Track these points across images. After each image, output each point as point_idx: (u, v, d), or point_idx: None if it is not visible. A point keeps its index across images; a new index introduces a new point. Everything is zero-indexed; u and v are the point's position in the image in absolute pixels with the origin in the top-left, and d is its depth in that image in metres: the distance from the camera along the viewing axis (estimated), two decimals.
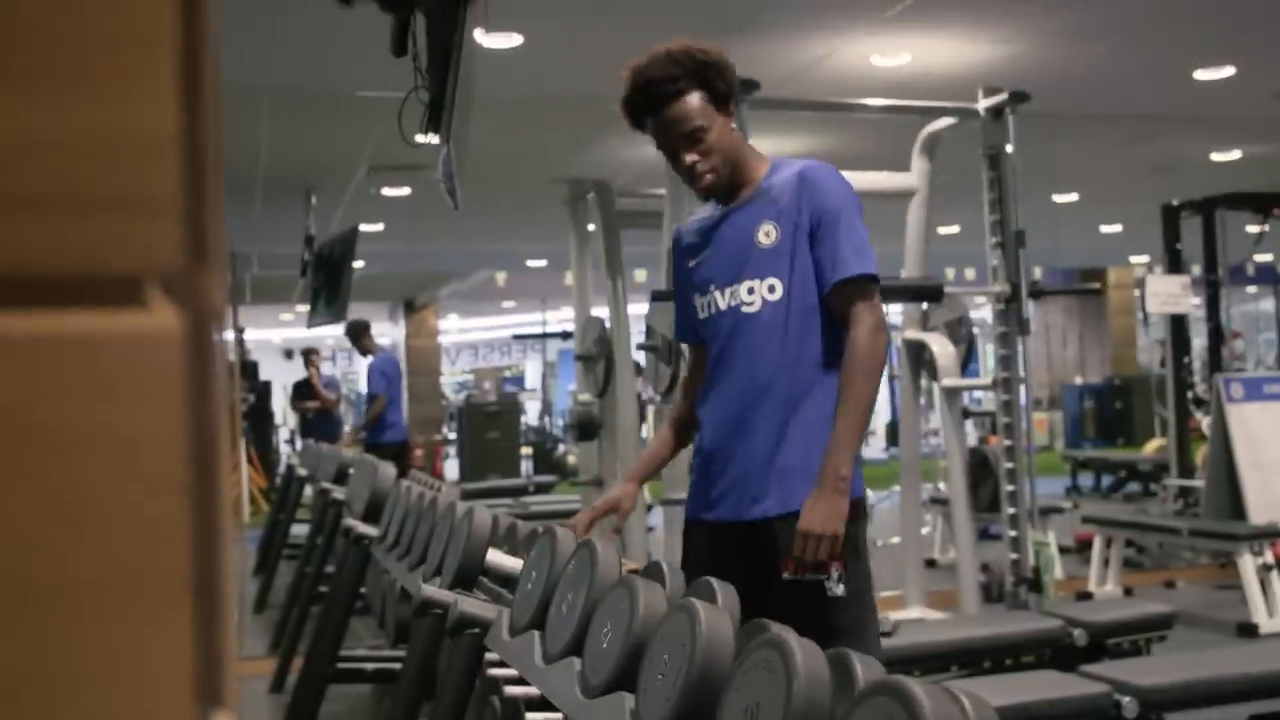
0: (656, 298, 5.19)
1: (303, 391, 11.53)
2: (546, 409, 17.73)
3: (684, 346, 2.88)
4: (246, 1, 4.59)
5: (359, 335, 8.98)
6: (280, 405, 16.08)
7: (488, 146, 6.34)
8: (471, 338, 22.70)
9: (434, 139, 3.61)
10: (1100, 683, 3.18)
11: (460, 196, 3.61)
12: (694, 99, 2.32)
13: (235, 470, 9.45)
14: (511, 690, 2.70)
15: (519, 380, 22.31)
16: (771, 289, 2.32)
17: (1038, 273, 11.83)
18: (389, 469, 4.41)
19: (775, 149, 7.53)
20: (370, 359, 8.92)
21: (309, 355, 11.64)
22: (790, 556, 2.23)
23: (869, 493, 2.52)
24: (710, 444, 2.41)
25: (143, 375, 0.40)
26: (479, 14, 3.43)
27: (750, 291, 2.34)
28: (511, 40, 5.36)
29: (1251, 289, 17.81)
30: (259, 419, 13.11)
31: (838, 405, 2.27)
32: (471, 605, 2.30)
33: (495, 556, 2.67)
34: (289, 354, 20.81)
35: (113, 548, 0.40)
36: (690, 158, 2.33)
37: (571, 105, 6.63)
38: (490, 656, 2.49)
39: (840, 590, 2.25)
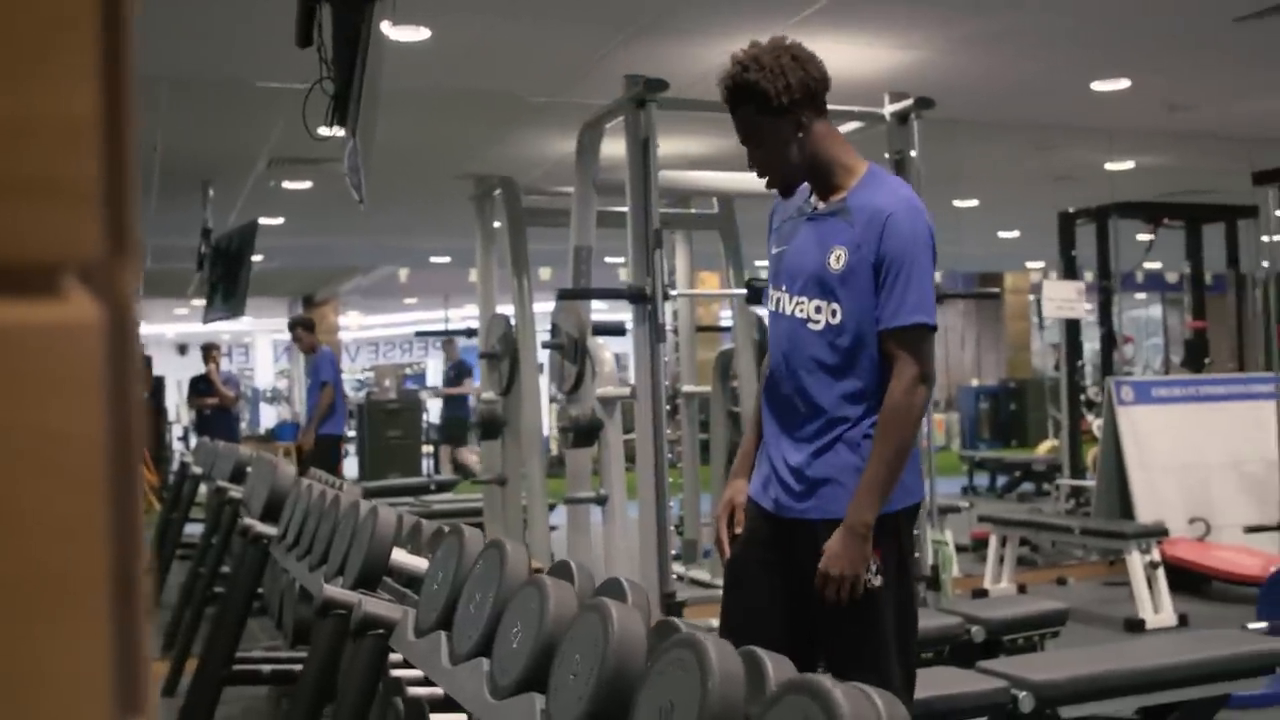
0: (563, 296, 5.18)
1: (200, 388, 11.30)
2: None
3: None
4: None
5: (309, 329, 8.98)
6: (173, 402, 15.72)
7: (393, 141, 6.26)
8: (373, 334, 22.43)
9: (339, 132, 3.56)
10: (998, 678, 3.24)
11: (366, 191, 3.57)
12: (745, 110, 2.42)
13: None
14: (415, 691, 2.68)
15: (420, 378, 22.08)
16: (834, 313, 2.40)
17: (938, 277, 12.04)
18: (288, 467, 4.33)
19: (683, 150, 7.56)
20: (317, 353, 8.86)
21: (208, 350, 11.41)
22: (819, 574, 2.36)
23: None
24: (769, 436, 2.53)
25: (60, 369, 0.39)
26: (387, 6, 3.39)
27: (818, 310, 2.42)
28: (419, 34, 5.30)
29: (1140, 295, 18.34)
30: (152, 415, 12.82)
31: (870, 454, 2.37)
32: (376, 606, 2.27)
33: (400, 556, 2.64)
34: (183, 349, 20.37)
35: (27, 548, 0.38)
36: (750, 162, 2.49)
37: (479, 100, 6.59)
38: (394, 658, 2.46)
39: (879, 581, 2.37)
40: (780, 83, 2.37)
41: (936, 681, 3.20)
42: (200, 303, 9.48)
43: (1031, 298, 17.17)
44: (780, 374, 2.50)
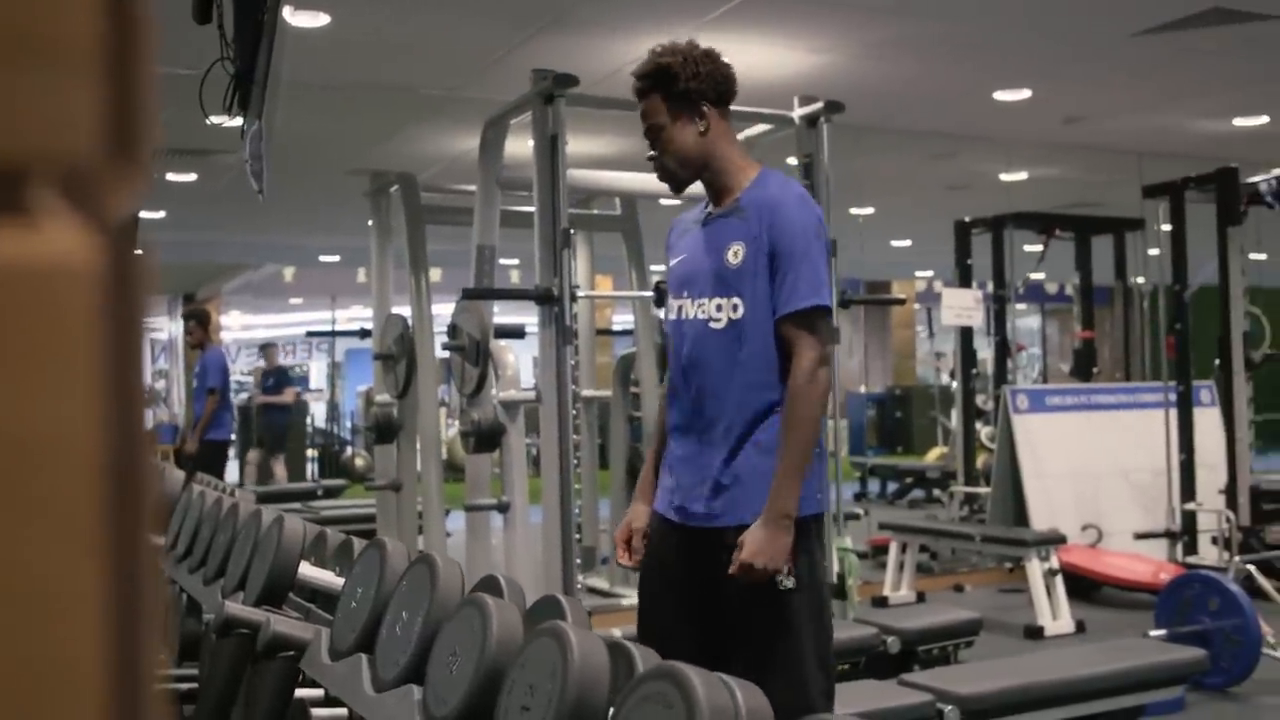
0: (468, 296, 5.01)
1: None
2: (333, 411, 17.15)
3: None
4: None
5: (203, 324, 8.40)
6: None
7: (286, 131, 6.01)
8: (255, 335, 21.80)
9: (236, 120, 3.35)
10: (922, 692, 3.18)
11: (266, 182, 3.37)
12: (653, 99, 2.45)
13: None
14: (321, 713, 2.50)
15: (303, 380, 21.56)
16: (735, 308, 2.41)
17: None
18: (174, 473, 4.09)
19: (588, 149, 7.45)
20: (206, 351, 8.33)
21: None
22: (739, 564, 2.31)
23: None
24: (675, 448, 2.50)
25: (28, 341, 0.24)
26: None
27: (719, 308, 2.43)
28: (319, 19, 5.09)
29: (1021, 306, 18.74)
30: None
31: (780, 445, 2.36)
32: (285, 625, 2.09)
33: (308, 570, 2.46)
34: None
35: None
36: (649, 152, 2.50)
37: (377, 93, 6.37)
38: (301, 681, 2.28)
39: (791, 583, 2.34)
40: (690, 69, 2.44)
41: (861, 695, 3.12)
42: None
43: (919, 306, 17.42)
44: (681, 382, 2.49)
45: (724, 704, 1.13)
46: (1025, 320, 19.90)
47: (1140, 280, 8.42)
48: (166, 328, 16.78)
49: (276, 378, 12.83)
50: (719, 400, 2.41)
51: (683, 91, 2.43)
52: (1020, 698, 3.27)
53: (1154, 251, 7.54)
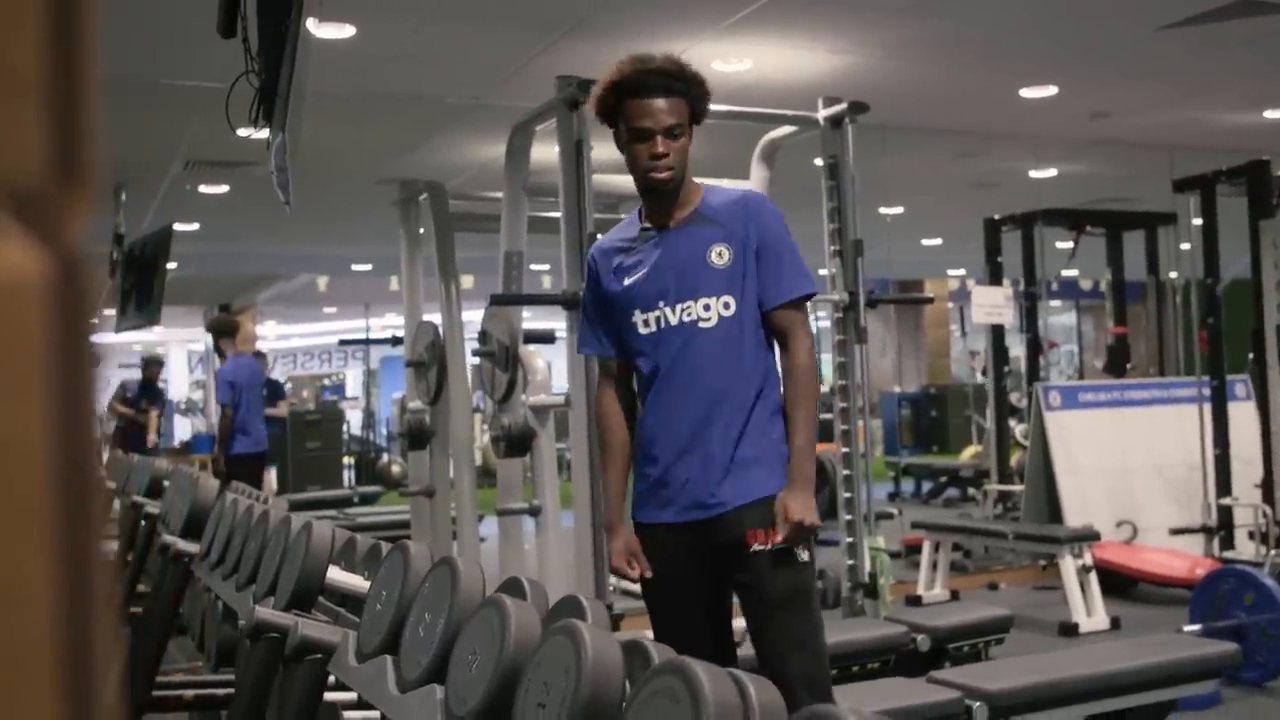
0: (496, 302, 5.04)
1: (133, 398, 10.91)
2: (369, 418, 17.26)
3: (595, 360, 2.95)
4: None
5: (221, 334, 8.15)
6: None
7: (315, 144, 6.08)
8: (290, 344, 21.99)
9: (263, 132, 3.39)
10: (951, 689, 3.18)
11: (292, 193, 3.40)
12: (683, 103, 2.51)
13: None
14: (354, 717, 2.53)
15: (339, 388, 21.71)
16: (726, 305, 2.50)
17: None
18: (209, 481, 4.14)
19: (614, 154, 7.43)
20: (223, 366, 8.06)
21: (151, 365, 11.01)
22: (760, 530, 2.44)
23: None
24: (666, 451, 2.54)
25: None
26: (314, 1, 3.24)
27: (706, 308, 2.50)
28: (344, 31, 5.14)
29: (1055, 303, 18.62)
30: None
31: (793, 419, 2.50)
32: (313, 628, 2.12)
33: (336, 574, 2.49)
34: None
35: None
36: (663, 148, 2.48)
37: (404, 102, 6.42)
38: (331, 682, 2.31)
39: (806, 556, 2.49)
40: (706, 91, 2.57)
41: (890, 693, 3.13)
42: (111, 312, 9.15)
43: (951, 305, 17.34)
44: (667, 384, 2.54)
45: (730, 698, 1.14)
46: (1059, 317, 19.79)
47: (1174, 275, 8.35)
48: (204, 339, 16.96)
49: (269, 390, 11.88)
50: (716, 393, 2.50)
51: (700, 109, 2.55)
52: (1049, 693, 3.26)
53: (1186, 246, 7.48)
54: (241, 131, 3.50)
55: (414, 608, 1.86)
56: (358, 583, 2.42)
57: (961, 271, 14.72)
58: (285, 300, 16.37)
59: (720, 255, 2.50)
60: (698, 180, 2.64)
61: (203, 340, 16.92)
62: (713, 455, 2.49)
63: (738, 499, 2.47)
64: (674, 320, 2.52)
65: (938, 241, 12.27)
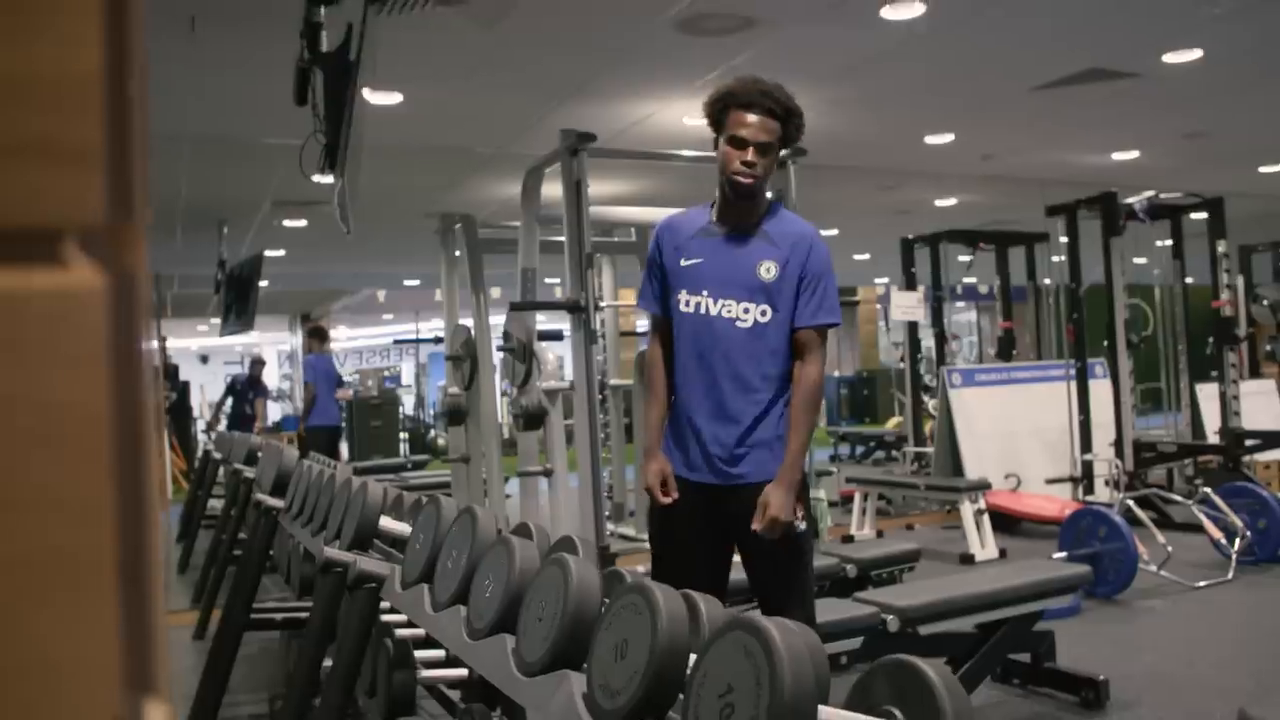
0: (515, 308, 5.06)
1: (242, 389, 10.91)
2: (420, 401, 17.24)
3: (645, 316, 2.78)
4: (171, 57, 4.27)
5: (313, 336, 8.66)
6: (197, 400, 15.20)
7: (373, 187, 6.05)
8: (358, 344, 21.95)
9: (329, 178, 3.41)
10: (870, 606, 3.20)
11: (351, 224, 3.42)
12: (778, 125, 2.35)
13: (162, 453, 8.98)
14: (402, 633, 2.56)
15: (396, 378, 21.66)
16: (764, 313, 2.37)
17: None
18: (292, 451, 4.16)
19: (611, 191, 7.43)
20: (310, 355, 8.54)
21: (256, 365, 11.05)
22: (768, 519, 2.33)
23: None
24: (696, 420, 2.43)
25: (61, 338, 0.29)
26: (368, 73, 3.25)
27: (746, 311, 2.37)
28: (394, 98, 5.14)
29: (960, 304, 18.64)
30: (180, 412, 12.33)
31: (795, 421, 2.37)
32: (368, 564, 2.15)
33: (386, 522, 2.51)
34: (204, 359, 19.78)
35: (31, 526, 0.28)
36: (752, 158, 2.33)
37: (443, 153, 6.43)
38: (383, 607, 2.34)
39: (803, 526, 2.40)
40: (801, 119, 2.42)
41: (824, 610, 3.15)
42: (218, 321, 9.14)
43: (879, 306, 17.37)
44: (699, 365, 2.42)
45: (681, 611, 1.17)
46: (963, 315, 19.80)
47: (1047, 282, 8.38)
48: (290, 341, 16.93)
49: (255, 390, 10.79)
50: (740, 386, 2.38)
51: (792, 136, 2.40)
52: (946, 608, 3.29)
53: (1057, 259, 7.51)
54: (315, 178, 3.51)
55: (444, 547, 1.89)
56: (403, 529, 2.45)
57: (886, 279, 14.73)
58: (352, 310, 16.34)
59: (768, 271, 2.35)
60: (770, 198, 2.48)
61: (289, 342, 16.89)
62: (733, 435, 2.38)
63: (754, 476, 2.37)
64: (714, 311, 2.39)
65: (867, 256, 12.27)
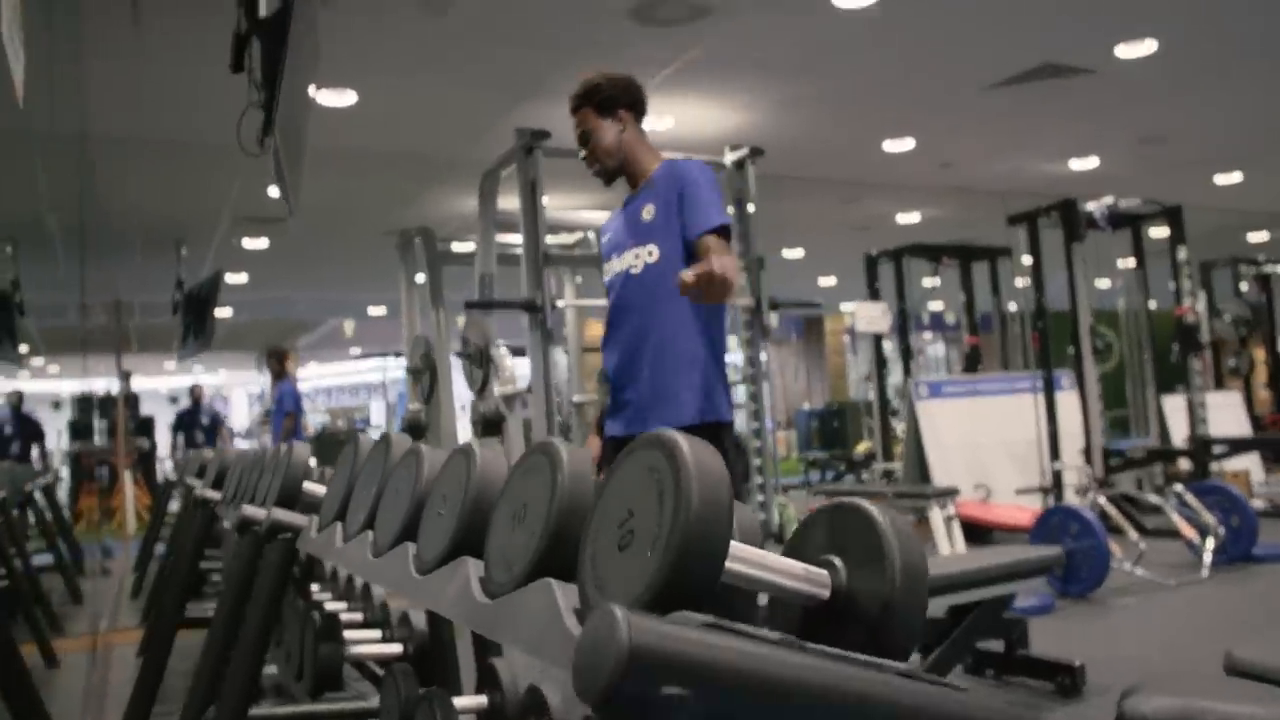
0: (470, 306, 4.91)
1: (188, 419, 10.70)
2: (389, 424, 17.08)
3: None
4: (116, 52, 4.13)
5: (280, 359, 8.19)
6: (164, 439, 14.90)
7: (332, 201, 5.95)
8: (326, 384, 21.65)
9: (290, 209, 3.25)
10: None
11: (294, 202, 3.27)
12: (585, 112, 2.46)
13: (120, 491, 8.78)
14: (332, 608, 2.37)
15: (366, 420, 21.43)
16: (650, 253, 2.38)
17: (775, 319, 12.01)
18: (235, 449, 3.96)
19: (565, 199, 7.32)
20: (283, 383, 8.07)
21: (194, 389, 10.80)
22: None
23: None
24: (614, 379, 2.46)
25: None
26: (312, 67, 3.13)
27: (636, 257, 2.40)
28: (348, 97, 5.02)
29: (927, 334, 18.65)
30: (148, 456, 12.03)
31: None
32: (283, 515, 1.97)
33: (310, 486, 2.34)
34: (174, 399, 19.48)
35: None
36: (581, 152, 2.49)
37: (402, 160, 6.30)
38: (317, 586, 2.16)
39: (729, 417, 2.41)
40: (609, 82, 2.48)
41: None
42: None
43: (846, 338, 17.33)
44: (613, 326, 2.47)
45: (584, 464, 1.02)
46: (931, 348, 19.83)
47: (1012, 307, 8.34)
48: (259, 382, 16.65)
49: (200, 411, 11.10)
50: (643, 331, 2.38)
51: (605, 99, 2.45)
52: None
53: (1022, 282, 7.46)
54: (271, 192, 3.37)
55: (357, 485, 1.72)
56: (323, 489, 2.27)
57: (852, 306, 14.67)
58: (318, 345, 16.10)
59: (649, 212, 2.40)
60: (658, 153, 2.51)
61: (258, 382, 16.62)
62: (642, 387, 2.37)
63: (666, 421, 2.30)
64: (618, 269, 2.45)
65: (833, 281, 12.23)
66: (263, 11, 3.02)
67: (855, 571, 0.91)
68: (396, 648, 2.34)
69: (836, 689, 0.76)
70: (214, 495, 3.36)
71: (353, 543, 1.57)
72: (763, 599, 0.95)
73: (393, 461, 1.60)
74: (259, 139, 3.13)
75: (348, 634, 2.37)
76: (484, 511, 1.15)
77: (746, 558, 0.89)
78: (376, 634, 2.50)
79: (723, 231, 2.34)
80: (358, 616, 2.65)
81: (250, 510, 2.06)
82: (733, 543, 0.86)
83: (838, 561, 0.92)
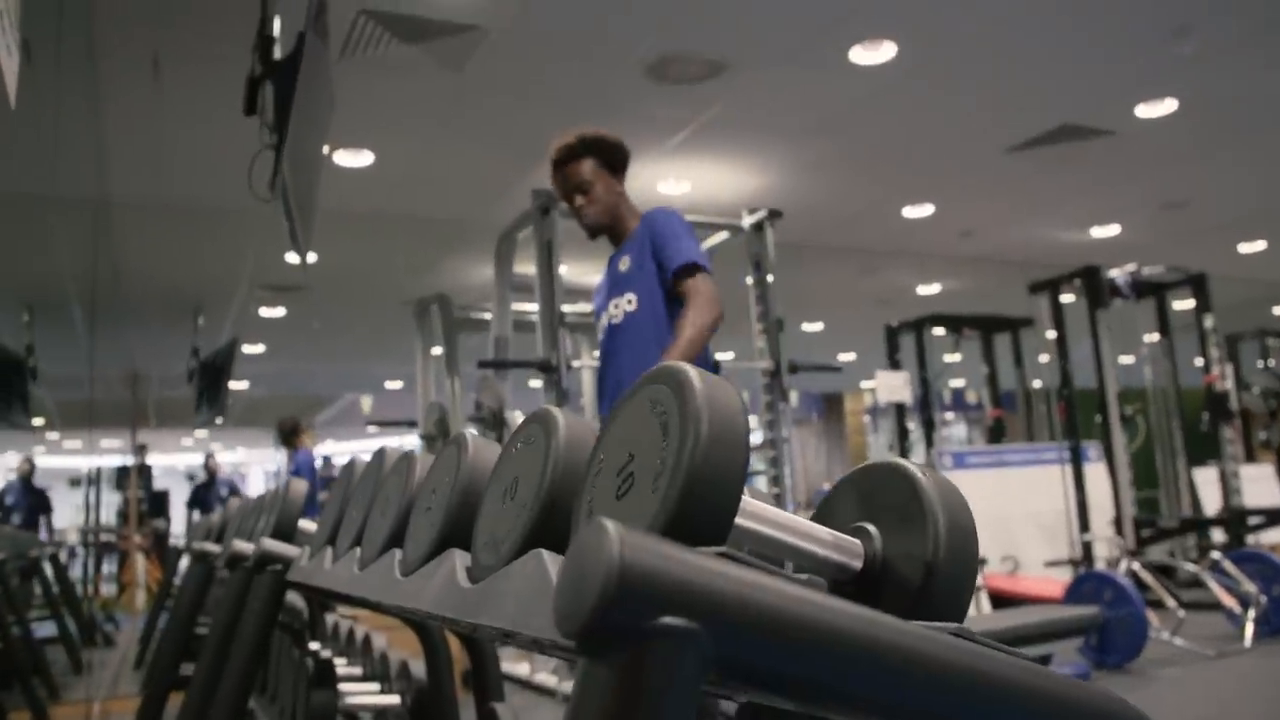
0: (483, 365, 4.83)
1: (203, 492, 10.68)
2: None
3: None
4: (134, 111, 4.16)
5: (294, 430, 8.18)
6: (179, 516, 14.79)
7: (349, 268, 5.94)
8: (343, 461, 21.58)
9: (302, 259, 3.22)
10: None
11: (305, 245, 3.22)
12: (585, 163, 2.54)
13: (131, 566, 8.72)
14: (328, 656, 2.24)
15: None
16: (630, 301, 2.44)
17: (794, 397, 11.87)
18: (236, 503, 3.85)
19: (581, 265, 7.30)
20: (298, 453, 8.05)
21: (209, 459, 10.76)
22: None
23: None
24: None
25: None
26: (328, 127, 3.13)
27: (616, 306, 2.47)
28: (364, 158, 5.04)
29: (950, 414, 18.42)
30: (163, 534, 11.92)
31: (673, 338, 2.30)
32: (273, 545, 1.86)
33: (307, 524, 2.23)
34: (191, 477, 19.41)
35: None
36: (578, 200, 2.55)
37: (419, 224, 6.32)
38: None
39: None
40: (615, 143, 2.56)
41: None
42: (203, 433, 8.90)
43: (867, 418, 17.15)
44: (602, 376, 2.52)
45: (583, 430, 0.91)
46: (954, 429, 19.57)
47: (1037, 384, 8.20)
48: (275, 459, 16.57)
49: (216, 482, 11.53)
50: (624, 379, 2.43)
51: (615, 157, 2.54)
52: None
53: (1044, 358, 7.33)
54: (289, 258, 3.35)
55: (351, 502, 1.62)
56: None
57: (873, 382, 14.55)
58: (337, 421, 16.04)
59: (625, 264, 2.46)
60: (637, 210, 2.59)
61: (276, 460, 16.55)
62: None
63: None
64: (605, 323, 2.55)
65: (852, 356, 12.12)
66: (277, 54, 3.02)
67: (892, 538, 0.78)
68: (394, 698, 2.20)
69: (886, 642, 0.64)
70: (213, 549, 3.24)
71: (340, 562, 1.46)
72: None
73: (385, 473, 1.50)
74: (270, 183, 3.10)
75: (344, 686, 2.24)
76: (474, 499, 1.04)
77: (764, 515, 0.77)
78: (375, 686, 2.37)
79: (692, 268, 2.38)
80: (357, 670, 2.54)
81: (239, 544, 1.95)
82: (748, 499, 0.75)
83: (871, 529, 0.80)
